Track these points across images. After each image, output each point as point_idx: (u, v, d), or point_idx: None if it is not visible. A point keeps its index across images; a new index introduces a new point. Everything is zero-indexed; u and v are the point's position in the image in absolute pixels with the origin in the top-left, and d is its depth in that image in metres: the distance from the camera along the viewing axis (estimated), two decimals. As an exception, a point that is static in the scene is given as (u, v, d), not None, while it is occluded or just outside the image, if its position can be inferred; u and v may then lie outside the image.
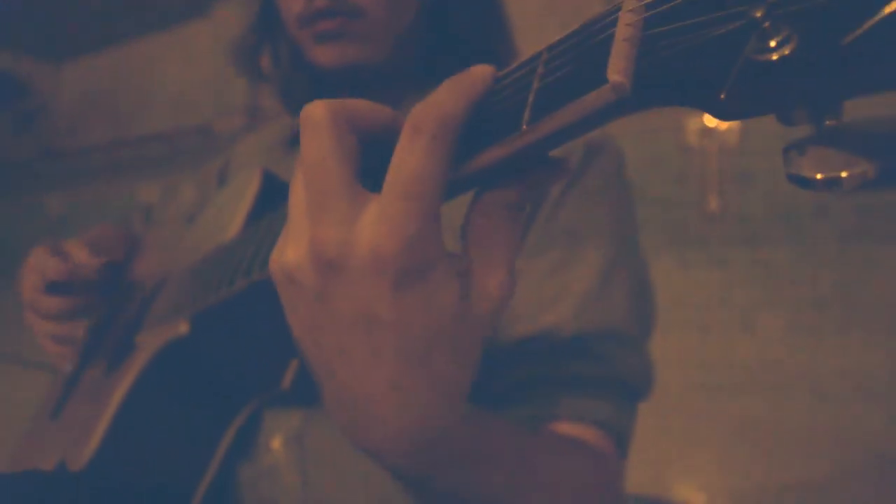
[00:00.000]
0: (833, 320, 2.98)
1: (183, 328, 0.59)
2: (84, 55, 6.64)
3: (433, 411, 0.34)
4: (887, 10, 0.20)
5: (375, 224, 0.30)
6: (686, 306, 3.31)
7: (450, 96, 0.31)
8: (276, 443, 0.69)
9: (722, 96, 0.23)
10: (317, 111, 0.33)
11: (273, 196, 0.67)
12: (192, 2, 5.43)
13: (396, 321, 0.31)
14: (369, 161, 0.33)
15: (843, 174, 0.23)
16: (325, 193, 0.31)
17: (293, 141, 0.90)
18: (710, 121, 3.96)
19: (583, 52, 0.29)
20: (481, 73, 0.32)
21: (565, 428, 0.64)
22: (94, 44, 6.38)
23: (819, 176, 0.23)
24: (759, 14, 0.23)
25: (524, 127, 0.29)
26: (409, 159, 0.30)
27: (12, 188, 7.07)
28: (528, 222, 0.71)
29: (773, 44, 0.22)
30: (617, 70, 0.26)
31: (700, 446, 2.81)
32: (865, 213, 2.93)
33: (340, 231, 0.31)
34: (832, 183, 0.23)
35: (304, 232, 0.32)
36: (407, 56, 0.79)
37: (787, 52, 0.22)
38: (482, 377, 0.68)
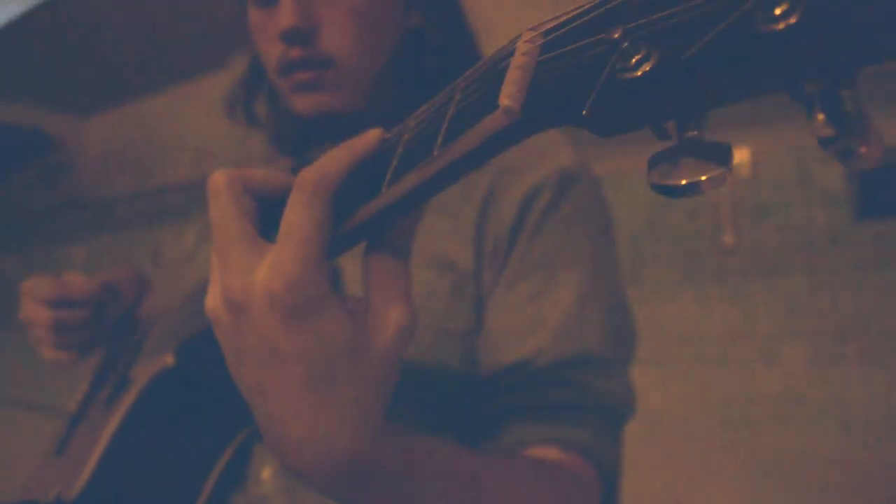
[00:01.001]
0: (856, 350, 2.93)
1: (169, 360, 0.61)
2: (108, 109, 6.83)
3: (342, 434, 0.37)
4: (718, 28, 0.22)
5: (267, 269, 0.36)
6: (705, 340, 3.28)
7: (330, 160, 0.37)
8: (266, 473, 0.70)
9: (585, 112, 0.25)
10: (218, 180, 0.39)
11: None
12: (209, 54, 5.58)
13: (294, 351, 0.36)
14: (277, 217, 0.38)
15: (702, 178, 0.25)
16: (227, 248, 0.37)
17: None
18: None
19: (486, 80, 0.31)
20: (367, 137, 0.38)
21: (544, 454, 0.65)
22: (117, 98, 6.57)
23: (682, 182, 0.25)
24: (617, 35, 0.25)
25: (435, 153, 0.31)
26: (291, 213, 0.36)
27: (37, 238, 7.23)
28: (507, 252, 0.73)
29: (633, 62, 0.24)
30: (507, 95, 0.28)
31: (723, 482, 2.75)
32: (882, 241, 2.91)
33: (242, 278, 0.37)
34: (692, 187, 0.25)
35: (217, 281, 0.39)
36: (383, 96, 0.82)
37: (647, 68, 0.24)
38: (466, 407, 0.70)
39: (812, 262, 3.04)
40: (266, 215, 0.40)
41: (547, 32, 0.30)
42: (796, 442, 2.87)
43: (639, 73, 0.24)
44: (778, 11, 0.21)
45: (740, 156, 3.70)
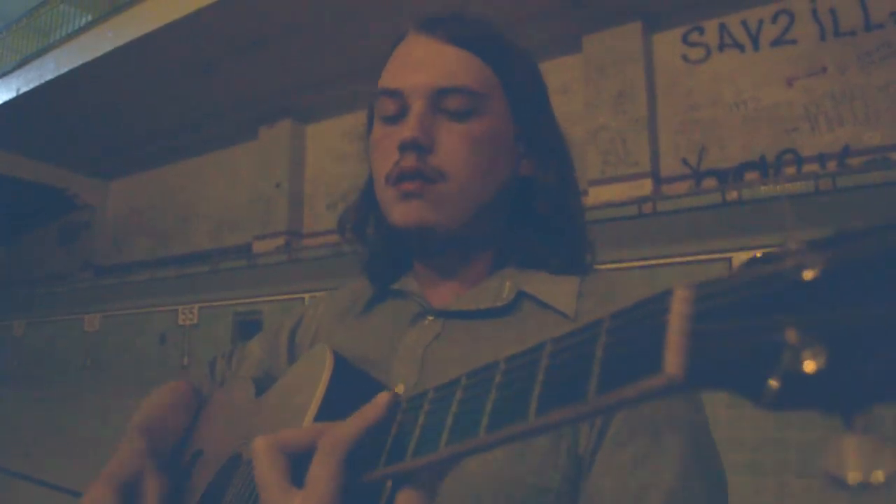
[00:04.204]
0: (896, 464, 2.85)
1: None
2: (132, 174, 7.01)
3: None
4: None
5: None
6: (739, 447, 3.21)
7: (346, 427, 0.50)
8: None
9: (762, 400, 0.27)
10: (258, 446, 0.53)
11: (344, 383, 0.70)
12: (239, 127, 5.77)
13: None
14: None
15: (872, 482, 0.26)
16: (266, 496, 0.51)
17: (368, 306, 0.95)
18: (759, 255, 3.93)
19: (639, 333, 0.33)
20: (379, 403, 0.51)
21: None
22: (142, 164, 6.77)
23: (857, 482, 0.26)
24: (792, 339, 0.26)
25: (589, 397, 0.33)
26: (313, 467, 0.50)
27: (52, 301, 7.28)
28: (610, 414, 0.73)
29: (805, 356, 0.26)
30: (672, 364, 0.30)
31: None
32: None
33: None
34: (864, 487, 0.26)
35: None
36: (483, 227, 0.85)
37: (820, 364, 0.26)
38: None
39: (848, 372, 2.99)
40: (299, 463, 0.52)
41: (701, 299, 0.31)
42: (837, 561, 2.76)
43: (809, 369, 0.26)
44: None
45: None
